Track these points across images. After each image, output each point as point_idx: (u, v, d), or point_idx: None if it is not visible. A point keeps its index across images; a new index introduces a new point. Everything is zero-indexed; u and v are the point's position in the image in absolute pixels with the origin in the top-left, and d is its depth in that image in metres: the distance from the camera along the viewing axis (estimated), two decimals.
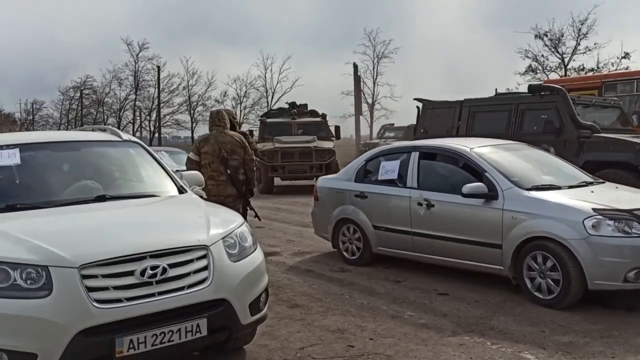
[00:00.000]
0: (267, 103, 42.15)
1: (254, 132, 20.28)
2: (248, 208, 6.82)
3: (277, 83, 42.03)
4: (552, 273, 4.92)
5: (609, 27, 46.65)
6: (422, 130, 10.08)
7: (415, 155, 6.35)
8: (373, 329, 4.56)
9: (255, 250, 3.85)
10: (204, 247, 3.44)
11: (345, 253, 6.92)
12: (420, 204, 6.00)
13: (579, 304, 4.88)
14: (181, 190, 4.50)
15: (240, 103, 42.24)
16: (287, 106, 18.93)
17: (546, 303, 4.94)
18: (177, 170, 8.87)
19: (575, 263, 4.76)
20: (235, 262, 3.58)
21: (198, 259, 3.40)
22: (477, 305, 5.10)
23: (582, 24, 28.50)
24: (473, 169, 5.75)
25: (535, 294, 5.05)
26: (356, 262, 6.74)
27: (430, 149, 6.44)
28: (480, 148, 6.04)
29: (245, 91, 42.20)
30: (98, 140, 4.81)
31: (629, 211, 4.83)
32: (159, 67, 39.62)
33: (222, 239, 3.60)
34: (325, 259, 7.17)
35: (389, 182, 6.48)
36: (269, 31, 67.16)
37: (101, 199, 4.00)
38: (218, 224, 3.74)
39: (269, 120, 17.39)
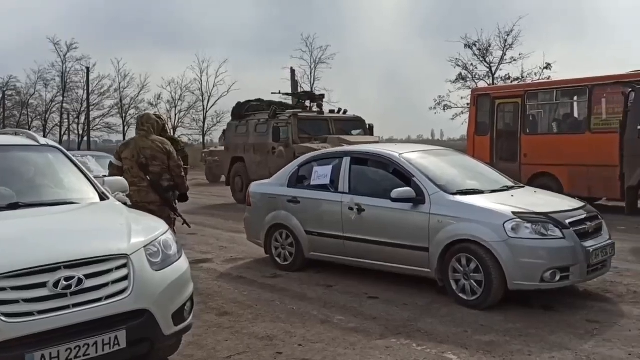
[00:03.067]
0: (203, 107, 41.57)
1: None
2: (175, 215, 6.67)
3: (214, 87, 41.47)
4: (475, 275, 5.08)
5: (533, 38, 49.11)
6: None
7: (347, 161, 6.41)
8: (302, 335, 4.55)
9: (180, 258, 3.76)
10: (124, 256, 3.32)
11: (277, 259, 6.89)
12: (351, 209, 6.06)
13: (500, 304, 5.06)
14: (103, 197, 4.34)
15: (175, 106, 41.42)
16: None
17: (470, 304, 5.09)
18: (104, 176, 8.62)
19: (497, 264, 4.94)
20: (157, 270, 3.48)
21: (117, 268, 3.28)
22: (405, 308, 5.19)
23: (507, 35, 29.79)
24: (402, 174, 5.86)
25: (460, 295, 5.20)
26: (289, 268, 6.73)
27: (362, 154, 6.53)
28: (409, 153, 6.17)
29: (181, 94, 41.40)
30: (12, 144, 4.55)
31: (546, 214, 5.07)
32: (88, 69, 38.19)
33: (144, 247, 3.49)
34: (257, 265, 7.11)
35: (322, 187, 6.52)
36: (207, 35, 66.44)
37: (14, 206, 3.79)
38: (140, 231, 3.62)
39: (301, 115, 13.97)
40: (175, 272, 3.62)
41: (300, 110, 14.60)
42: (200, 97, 41.75)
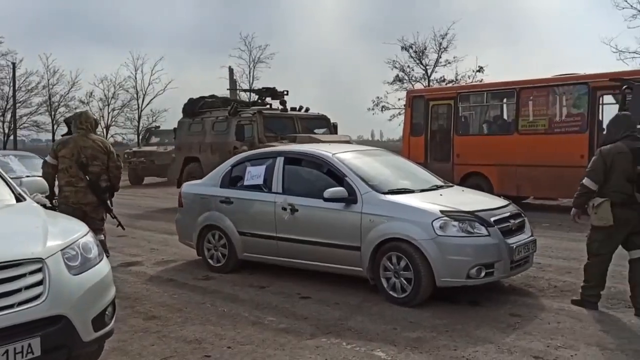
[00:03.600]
0: (138, 105, 40.39)
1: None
2: (110, 216, 6.48)
3: (149, 84, 40.38)
4: (405, 272, 5.17)
5: (467, 43, 50.73)
6: None
7: (280, 161, 6.38)
8: (232, 337, 4.48)
9: (100, 261, 3.62)
10: (39, 260, 3.16)
11: (210, 260, 6.77)
12: (284, 209, 6.03)
13: (429, 300, 5.16)
14: (19, 199, 4.12)
15: (108, 104, 40.05)
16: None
17: (400, 301, 5.18)
18: (28, 176, 8.20)
19: (425, 262, 5.04)
20: (76, 275, 3.33)
21: (31, 273, 3.11)
22: (337, 307, 5.22)
23: (442, 38, 30.71)
24: (335, 174, 5.89)
25: (391, 293, 5.28)
26: (221, 269, 6.62)
27: (295, 154, 6.51)
28: (342, 153, 6.21)
29: (114, 92, 40.05)
30: None
31: (472, 212, 5.22)
32: (14, 64, 36.28)
33: (61, 250, 3.34)
34: (189, 267, 6.97)
35: (255, 188, 6.46)
36: (143, 31, 64.76)
37: None
38: (57, 234, 3.46)
39: (266, 112, 13.00)
40: (96, 276, 3.48)
41: (264, 106, 13.65)
42: (135, 95, 40.58)
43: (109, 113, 39.72)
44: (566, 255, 7.23)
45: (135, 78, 40.30)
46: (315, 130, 12.99)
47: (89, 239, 3.65)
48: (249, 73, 40.10)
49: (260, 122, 12.39)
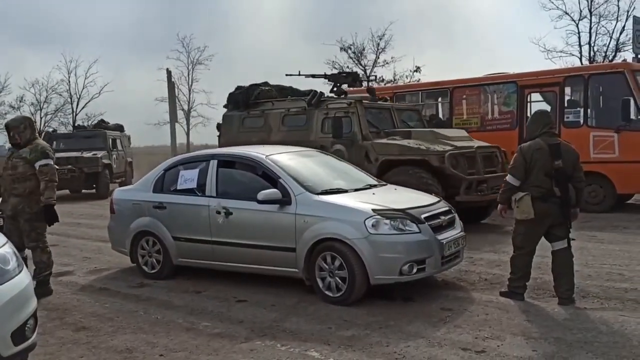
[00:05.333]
0: (72, 109, 39.03)
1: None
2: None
3: (83, 88, 39.05)
4: (340, 272, 5.22)
5: (405, 43, 51.75)
6: None
7: (213, 164, 6.30)
8: (165, 345, 4.40)
9: (20, 272, 3.48)
10: None
11: (144, 267, 6.62)
12: (219, 212, 5.97)
13: (364, 298, 5.23)
14: None
15: (41, 109, 38.48)
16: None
17: (335, 300, 5.22)
18: None
19: (359, 261, 5.11)
20: None
21: None
22: (272, 309, 5.21)
23: (380, 39, 31.18)
24: (269, 176, 5.87)
25: (326, 292, 5.31)
26: (156, 276, 6.49)
27: (229, 157, 6.46)
28: (276, 155, 6.20)
29: (46, 96, 38.50)
30: None
31: (403, 210, 5.32)
32: None
33: None
34: (123, 275, 6.79)
35: (189, 192, 6.36)
36: (75, 33, 62.52)
37: None
38: None
39: (365, 102, 10.16)
40: (14, 289, 3.35)
41: (365, 95, 10.71)
42: (69, 99, 39.19)
43: (41, 118, 38.20)
44: (496, 248, 7.50)
45: (69, 81, 38.94)
46: (409, 123, 10.70)
47: (7, 249, 3.50)
48: (188, 75, 39.51)
49: (362, 114, 9.74)
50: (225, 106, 11.73)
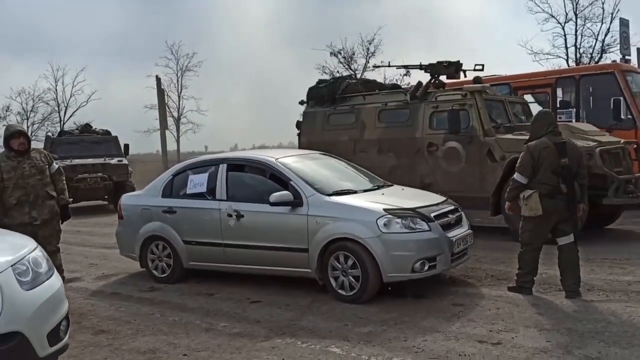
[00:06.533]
0: (60, 118, 38.74)
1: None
2: None
3: (71, 96, 38.79)
4: (353, 270, 5.33)
5: (394, 47, 52.00)
6: None
7: (223, 168, 6.40)
8: (186, 345, 4.48)
9: (52, 275, 3.56)
10: None
11: (155, 271, 6.68)
12: (230, 215, 6.06)
13: (376, 296, 5.35)
14: None
15: (27, 118, 38.18)
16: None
17: (349, 299, 5.34)
18: None
19: (372, 259, 5.23)
20: (28, 290, 3.27)
21: None
22: (287, 309, 5.31)
23: (369, 44, 31.37)
24: (279, 179, 5.98)
25: (339, 291, 5.43)
26: (167, 280, 6.55)
27: (238, 161, 6.55)
28: (285, 158, 6.31)
29: (33, 105, 38.19)
30: None
31: (413, 209, 5.46)
32: None
33: (12, 266, 3.27)
34: (133, 280, 6.84)
35: (198, 196, 6.44)
36: (62, 41, 62.18)
37: None
38: (6, 250, 3.38)
39: (485, 93, 8.87)
40: (48, 291, 3.42)
41: (481, 85, 9.04)
42: (56, 108, 38.88)
43: (28, 127, 37.84)
44: (499, 246, 7.65)
45: (56, 90, 38.63)
46: (521, 117, 9.43)
47: (38, 253, 3.58)
48: (177, 82, 39.46)
49: (482, 106, 8.48)
50: (302, 102, 10.76)
